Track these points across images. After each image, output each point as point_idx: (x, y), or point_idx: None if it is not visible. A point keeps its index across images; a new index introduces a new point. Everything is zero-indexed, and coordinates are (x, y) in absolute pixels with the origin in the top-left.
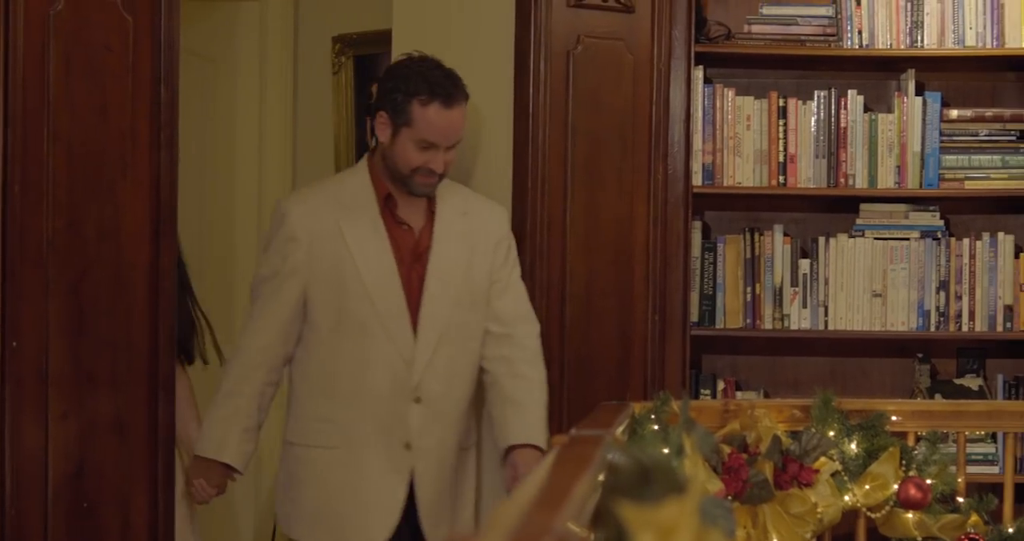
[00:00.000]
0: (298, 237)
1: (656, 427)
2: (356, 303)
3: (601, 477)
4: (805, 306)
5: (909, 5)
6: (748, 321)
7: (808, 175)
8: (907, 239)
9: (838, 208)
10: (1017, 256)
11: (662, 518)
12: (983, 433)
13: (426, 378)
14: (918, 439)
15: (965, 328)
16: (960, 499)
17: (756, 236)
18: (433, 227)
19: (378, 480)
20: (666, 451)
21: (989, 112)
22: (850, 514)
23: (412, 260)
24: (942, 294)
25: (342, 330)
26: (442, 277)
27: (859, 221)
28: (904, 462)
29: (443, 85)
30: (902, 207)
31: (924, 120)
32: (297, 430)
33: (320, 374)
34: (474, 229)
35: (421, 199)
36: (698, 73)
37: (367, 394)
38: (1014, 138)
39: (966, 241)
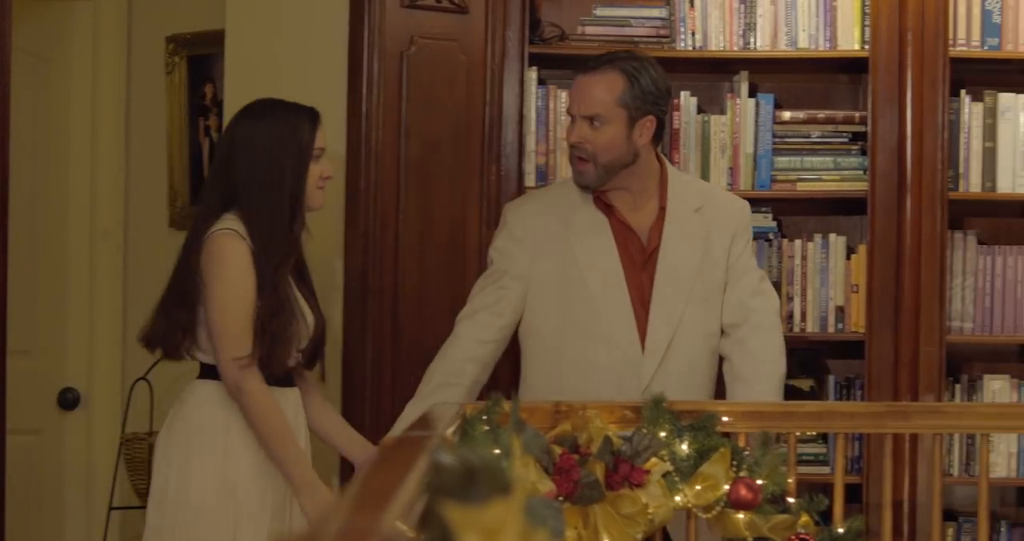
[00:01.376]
0: (521, 238)
1: (487, 428)
2: (580, 308)
3: (424, 478)
4: None
5: (742, 7)
6: None
7: None
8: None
9: None
10: (849, 257)
11: (487, 519)
12: (814, 434)
13: (657, 380)
14: (748, 440)
15: (797, 329)
16: (791, 499)
17: None
18: (663, 226)
19: None
20: (495, 452)
21: (821, 114)
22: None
23: (642, 261)
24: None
25: (565, 336)
26: (673, 277)
27: None
28: (735, 463)
29: (593, 58)
30: None
31: (757, 122)
32: None
33: (544, 383)
34: (709, 224)
35: (648, 199)
36: (532, 74)
37: (592, 397)
38: (846, 140)
39: (798, 242)
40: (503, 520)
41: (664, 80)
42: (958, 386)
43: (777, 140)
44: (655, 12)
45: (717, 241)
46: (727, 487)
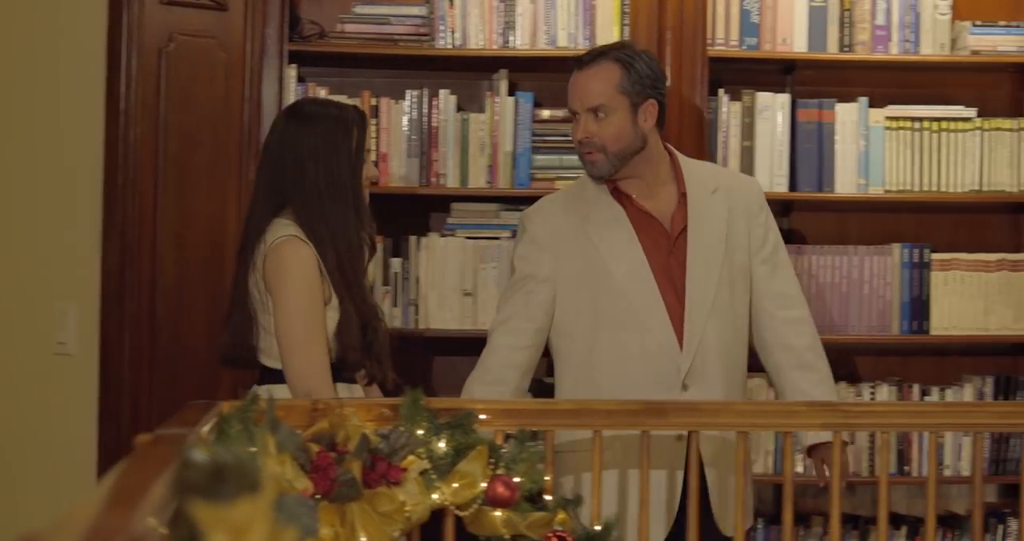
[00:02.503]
0: (541, 241)
1: (242, 426)
2: (609, 301)
3: (173, 475)
4: (396, 305)
5: (502, 6)
6: None
7: (400, 174)
8: (498, 238)
9: (430, 207)
10: None
11: (235, 517)
12: None
13: (696, 364)
14: (507, 437)
15: None
16: (548, 497)
17: None
18: (686, 210)
19: (653, 476)
20: (249, 450)
21: None
22: (438, 512)
23: (668, 247)
24: None
25: (597, 331)
26: (703, 260)
27: (450, 220)
28: (492, 460)
29: (583, 55)
30: (493, 206)
31: (516, 120)
32: (565, 437)
33: (582, 378)
34: (728, 206)
35: (664, 184)
36: (291, 72)
37: (629, 389)
38: None
39: None
40: (251, 518)
41: (657, 64)
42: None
43: (536, 138)
44: (415, 10)
45: (737, 222)
46: (484, 485)
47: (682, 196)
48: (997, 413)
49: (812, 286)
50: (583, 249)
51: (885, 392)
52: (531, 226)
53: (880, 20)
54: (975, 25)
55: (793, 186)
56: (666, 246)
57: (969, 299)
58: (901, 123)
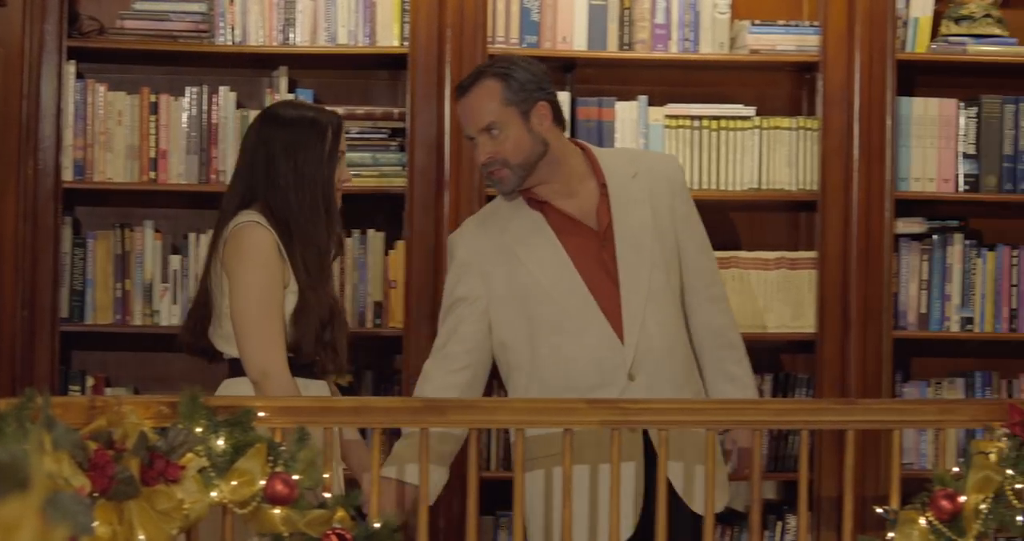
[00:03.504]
0: (467, 262)
1: (18, 424)
2: (541, 309)
3: None
4: (175, 302)
5: (282, 2)
6: (118, 317)
7: (179, 171)
8: None
9: (209, 204)
10: (387, 253)
11: (3, 515)
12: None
13: (641, 352)
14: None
15: None
16: (327, 495)
17: (127, 232)
18: (609, 201)
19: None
20: (22, 448)
21: (361, 110)
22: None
23: (598, 243)
24: None
25: (536, 341)
26: (633, 248)
27: None
28: (271, 458)
29: (465, 78)
30: None
31: None
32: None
33: (531, 389)
34: (648, 188)
35: (581, 180)
36: (70, 68)
37: (576, 390)
38: (385, 136)
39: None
40: (20, 516)
41: (536, 65)
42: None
43: None
44: (194, 7)
45: (661, 202)
46: (263, 482)
47: (603, 187)
48: (775, 410)
49: None
50: (508, 262)
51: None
52: (455, 249)
53: (660, 19)
54: (754, 24)
55: None
56: (596, 243)
57: (748, 297)
58: (681, 121)
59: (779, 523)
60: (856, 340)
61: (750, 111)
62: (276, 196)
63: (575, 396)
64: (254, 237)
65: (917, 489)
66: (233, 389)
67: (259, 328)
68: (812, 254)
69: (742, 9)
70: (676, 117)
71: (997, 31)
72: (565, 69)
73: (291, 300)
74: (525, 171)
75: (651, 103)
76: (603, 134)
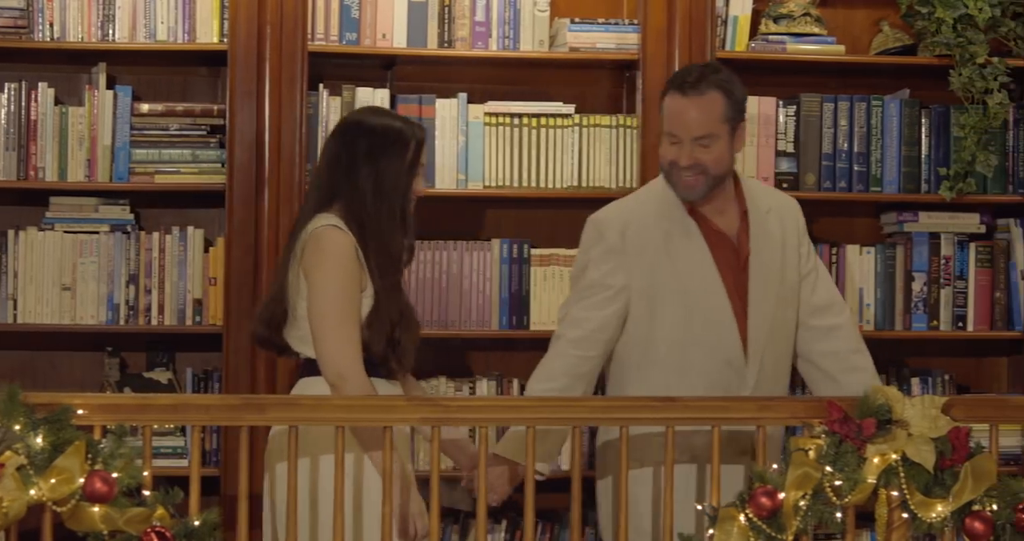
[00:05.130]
0: (617, 249)
1: None
2: (680, 316)
3: None
4: None
5: None
6: None
7: None
8: (97, 232)
9: (28, 201)
10: (207, 250)
11: None
12: (171, 426)
13: (759, 381)
14: (105, 432)
15: (155, 322)
16: (146, 492)
17: None
18: (748, 230)
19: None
20: None
21: (180, 106)
22: (37, 508)
23: (738, 266)
24: (132, 288)
25: (669, 344)
26: (763, 279)
27: (48, 214)
28: (90, 456)
29: (685, 73)
30: (92, 200)
31: (115, 114)
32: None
33: (643, 390)
34: (780, 226)
35: (730, 202)
36: None
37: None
38: (204, 133)
39: (156, 235)
40: None
41: (740, 84)
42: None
43: (135, 132)
44: (12, 2)
45: (789, 242)
46: (82, 480)
47: (743, 214)
48: (595, 407)
49: (412, 281)
50: (660, 264)
51: (485, 387)
52: (608, 233)
53: (480, 16)
54: (574, 22)
55: None
56: (736, 265)
57: (567, 295)
58: (500, 119)
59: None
60: None
61: (570, 109)
62: (355, 200)
63: None
64: (334, 240)
65: None
66: (309, 389)
67: (337, 330)
68: None
69: (562, 7)
70: (496, 115)
71: (816, 30)
72: (385, 66)
73: (367, 304)
74: (716, 183)
75: (471, 101)
76: None
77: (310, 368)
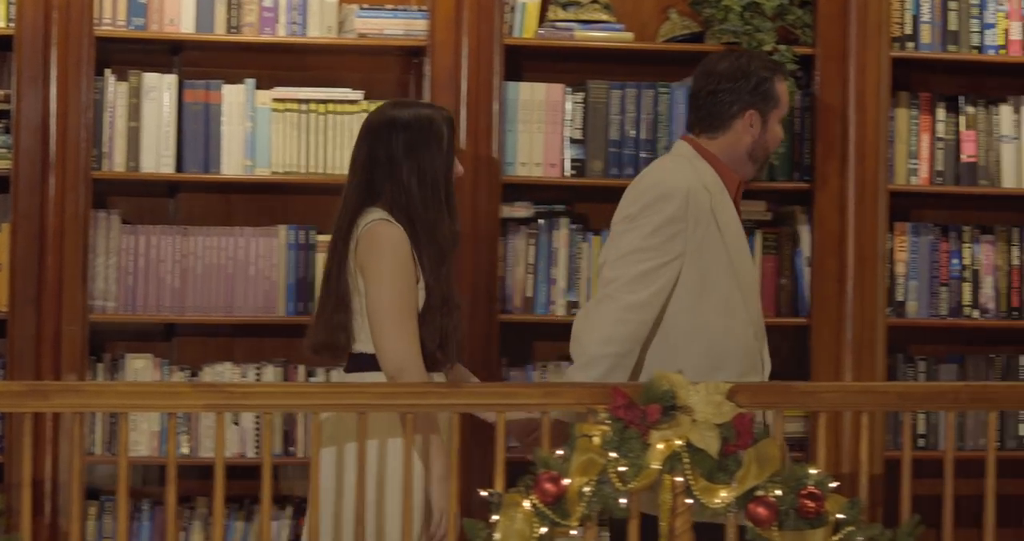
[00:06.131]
0: (683, 218)
1: None
2: (728, 289)
3: None
4: None
5: None
6: None
7: None
8: None
9: None
10: None
11: None
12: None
13: (764, 349)
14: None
15: None
16: None
17: None
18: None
19: None
20: None
21: None
22: None
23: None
24: None
25: (712, 313)
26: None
27: None
28: None
29: (778, 61)
30: None
31: None
32: None
33: (666, 361)
34: None
35: None
36: None
37: (725, 375)
38: None
39: None
40: None
41: None
42: (101, 365)
43: None
44: None
45: None
46: None
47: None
48: (380, 394)
49: (198, 267)
50: (712, 234)
51: (271, 373)
52: (674, 200)
53: (268, 2)
54: (362, 8)
55: (180, 167)
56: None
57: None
58: (288, 105)
59: None
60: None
61: (358, 95)
62: (400, 196)
63: (724, 377)
64: (390, 234)
65: (523, 472)
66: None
67: (397, 324)
68: None
69: None
70: (284, 101)
71: (604, 17)
72: (172, 52)
73: (420, 296)
74: None
75: (259, 86)
76: (210, 117)
77: (363, 363)
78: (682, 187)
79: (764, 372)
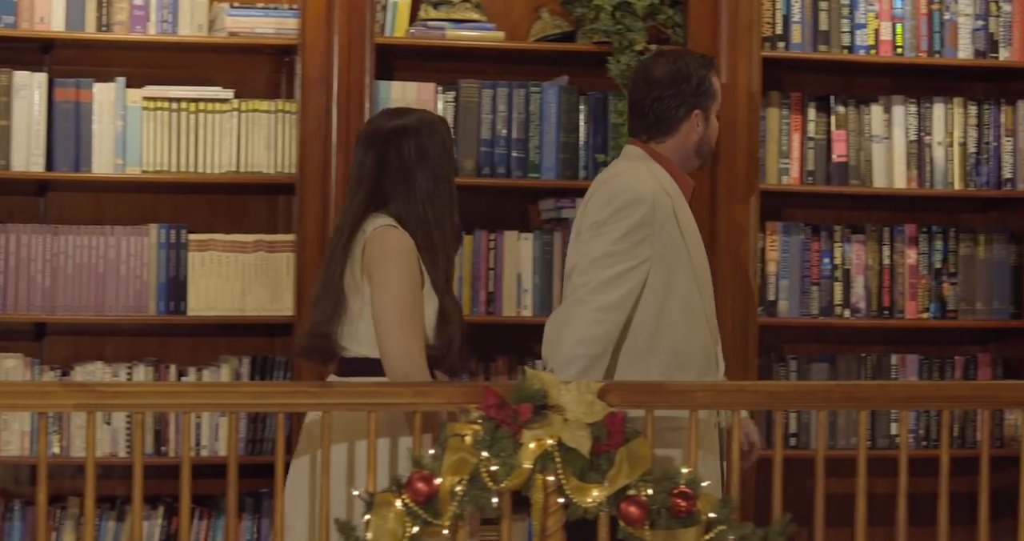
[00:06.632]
0: (650, 223)
1: None
2: (689, 290)
3: None
4: None
5: None
6: None
7: None
8: None
9: None
10: None
11: None
12: None
13: (719, 348)
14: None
15: None
16: None
17: None
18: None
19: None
20: None
21: None
22: None
23: None
24: None
25: (675, 315)
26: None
27: None
28: None
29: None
30: None
31: None
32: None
33: (645, 353)
34: None
35: None
36: None
37: (689, 374)
38: None
39: None
40: None
41: None
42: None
43: None
44: None
45: None
46: None
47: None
48: (251, 393)
49: (69, 267)
50: (676, 236)
51: (142, 372)
52: (643, 205)
53: (139, 0)
54: (233, 7)
55: (50, 166)
56: None
57: (226, 280)
58: (159, 104)
59: (257, 505)
60: None
61: (229, 94)
62: (412, 203)
63: (690, 376)
64: (398, 240)
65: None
66: None
67: (404, 330)
68: (290, 237)
69: None
70: (154, 99)
71: (475, 16)
72: (43, 50)
73: (429, 303)
74: None
75: (129, 85)
76: (81, 116)
77: (359, 367)
78: (648, 192)
79: (719, 371)
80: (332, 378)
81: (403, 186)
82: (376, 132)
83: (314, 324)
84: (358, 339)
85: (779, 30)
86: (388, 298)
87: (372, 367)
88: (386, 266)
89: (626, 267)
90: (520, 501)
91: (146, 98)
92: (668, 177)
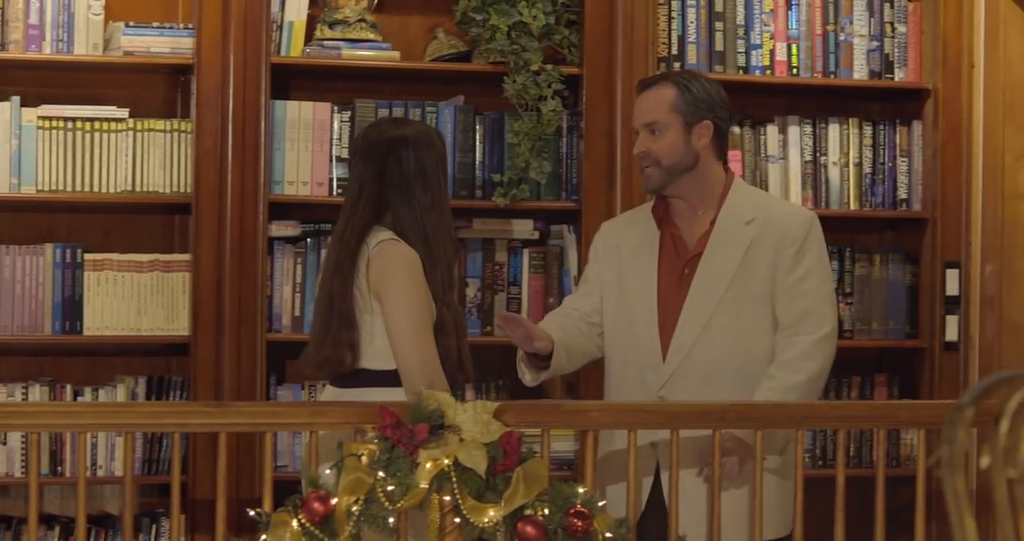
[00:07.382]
0: (599, 255)
1: None
2: (621, 311)
3: None
4: None
5: None
6: None
7: None
8: None
9: None
10: None
11: None
12: None
13: (677, 379)
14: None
15: None
16: None
17: None
18: (709, 236)
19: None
20: None
21: None
22: None
23: (680, 268)
24: None
25: (613, 336)
26: (707, 284)
27: None
28: None
29: (651, 76)
30: None
31: None
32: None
33: (607, 378)
34: (755, 236)
35: (708, 208)
36: None
37: (621, 392)
38: None
39: None
40: None
41: (718, 90)
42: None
43: None
44: None
45: (762, 253)
46: None
47: (713, 221)
48: (147, 413)
49: None
50: (618, 263)
51: (37, 392)
52: (599, 238)
53: (34, 19)
54: (128, 26)
55: None
56: (679, 268)
57: (122, 300)
58: (54, 123)
59: (154, 526)
60: (230, 343)
61: (124, 113)
62: (411, 213)
63: (618, 399)
64: (404, 254)
65: (291, 491)
66: (369, 397)
67: (420, 345)
68: (186, 257)
69: (117, 10)
70: (49, 118)
71: (371, 36)
72: None
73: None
74: (671, 176)
75: (24, 104)
76: None
77: (368, 379)
78: (608, 225)
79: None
80: (330, 390)
81: (403, 197)
82: (376, 143)
83: (326, 339)
84: (373, 354)
85: (675, 50)
86: (401, 313)
87: (386, 378)
88: (395, 282)
89: (578, 291)
90: None
91: (41, 117)
92: (648, 213)
